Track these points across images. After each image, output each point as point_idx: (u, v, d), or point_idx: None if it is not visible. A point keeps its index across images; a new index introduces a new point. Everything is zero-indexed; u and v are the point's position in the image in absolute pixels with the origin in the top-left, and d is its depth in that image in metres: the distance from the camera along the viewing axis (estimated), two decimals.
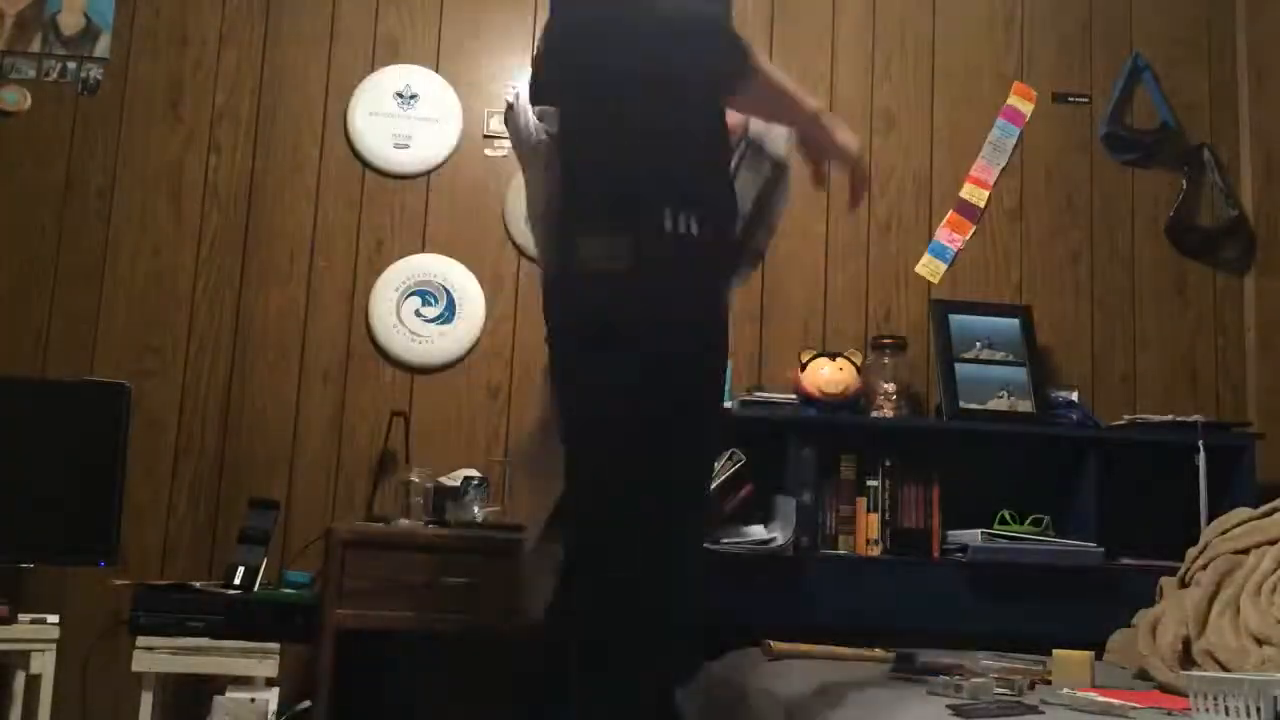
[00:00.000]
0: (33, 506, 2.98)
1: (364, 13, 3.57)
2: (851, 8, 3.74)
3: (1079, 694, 1.86)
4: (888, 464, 3.27)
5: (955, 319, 3.48)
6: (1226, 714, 1.55)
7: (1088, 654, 2.10)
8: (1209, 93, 3.81)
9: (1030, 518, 3.24)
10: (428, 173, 3.53)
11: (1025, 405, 3.38)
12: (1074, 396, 3.46)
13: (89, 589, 3.19)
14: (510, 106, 2.34)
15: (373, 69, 3.55)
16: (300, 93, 3.52)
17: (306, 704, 2.99)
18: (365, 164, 3.51)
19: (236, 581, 2.98)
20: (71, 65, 3.45)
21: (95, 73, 3.45)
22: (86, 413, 3.08)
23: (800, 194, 3.61)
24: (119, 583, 3.07)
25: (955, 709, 1.64)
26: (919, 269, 3.64)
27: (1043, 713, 1.70)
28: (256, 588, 2.99)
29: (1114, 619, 2.77)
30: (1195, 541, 2.64)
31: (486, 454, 3.40)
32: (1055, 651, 2.09)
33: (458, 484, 3.19)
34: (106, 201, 3.41)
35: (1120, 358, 3.67)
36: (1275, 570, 2.21)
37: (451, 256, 3.49)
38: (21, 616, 2.87)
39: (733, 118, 2.11)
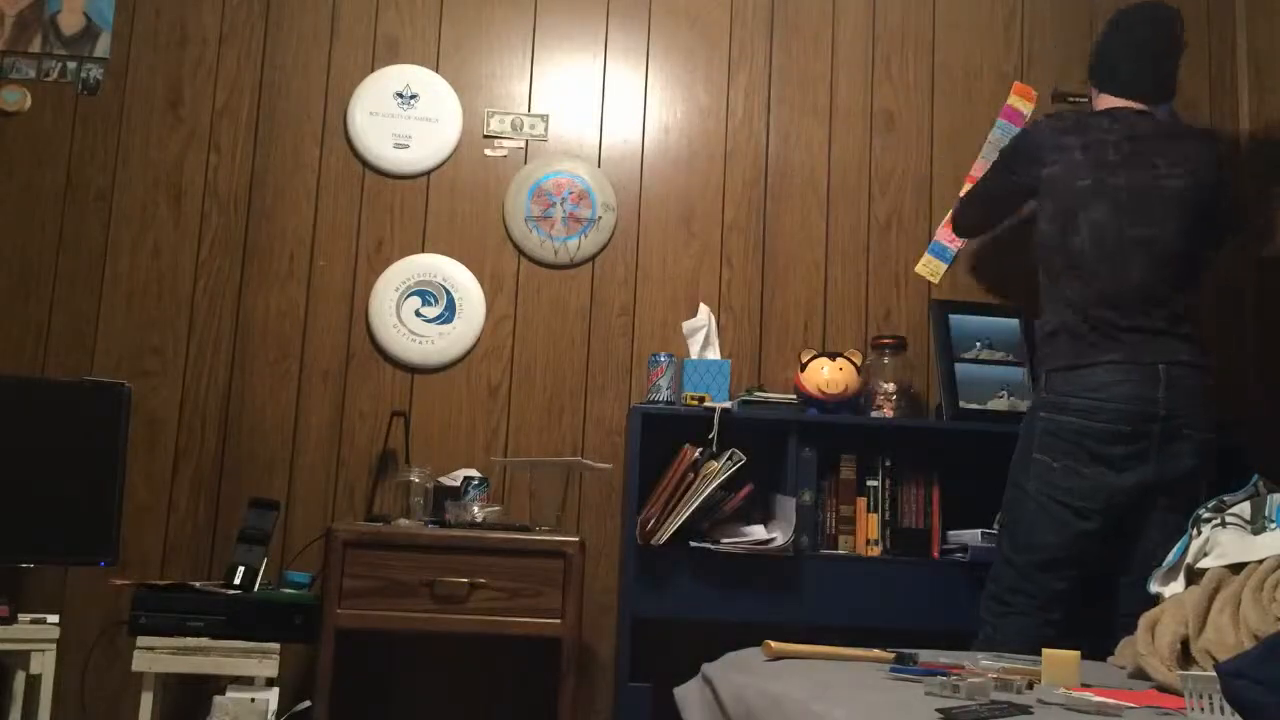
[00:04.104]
0: (33, 506, 2.99)
1: (364, 13, 3.58)
2: (851, 8, 3.74)
3: (1074, 694, 1.85)
4: (888, 464, 3.28)
5: (955, 319, 3.48)
6: (1222, 713, 1.55)
7: (1075, 653, 2.10)
8: (1209, 93, 3.81)
9: None
10: (428, 173, 3.53)
11: (1025, 405, 3.37)
12: None
13: (89, 589, 3.20)
14: None
15: (373, 69, 3.55)
16: (300, 93, 3.52)
17: (306, 704, 3.00)
18: (365, 164, 3.51)
19: (236, 581, 2.99)
20: (71, 65, 3.45)
21: (95, 73, 3.45)
22: (86, 413, 3.08)
23: (800, 194, 3.64)
24: (119, 583, 3.08)
25: (945, 711, 1.64)
26: (919, 269, 3.64)
27: (1032, 713, 1.70)
28: (256, 588, 3.00)
29: (1112, 619, 2.77)
30: None
31: (486, 454, 3.41)
32: (1044, 651, 2.09)
33: (458, 484, 3.19)
34: (106, 201, 3.41)
35: None
36: (1278, 568, 2.21)
37: (451, 256, 3.49)
38: (21, 616, 2.88)
39: None
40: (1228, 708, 1.53)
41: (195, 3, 3.53)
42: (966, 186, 3.68)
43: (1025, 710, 1.70)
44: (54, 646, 2.88)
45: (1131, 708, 1.77)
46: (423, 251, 3.48)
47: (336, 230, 3.48)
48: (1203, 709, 1.60)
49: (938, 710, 1.65)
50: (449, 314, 3.45)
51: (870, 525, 3.24)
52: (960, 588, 3.13)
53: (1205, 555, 2.40)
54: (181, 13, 3.52)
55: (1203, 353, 2.82)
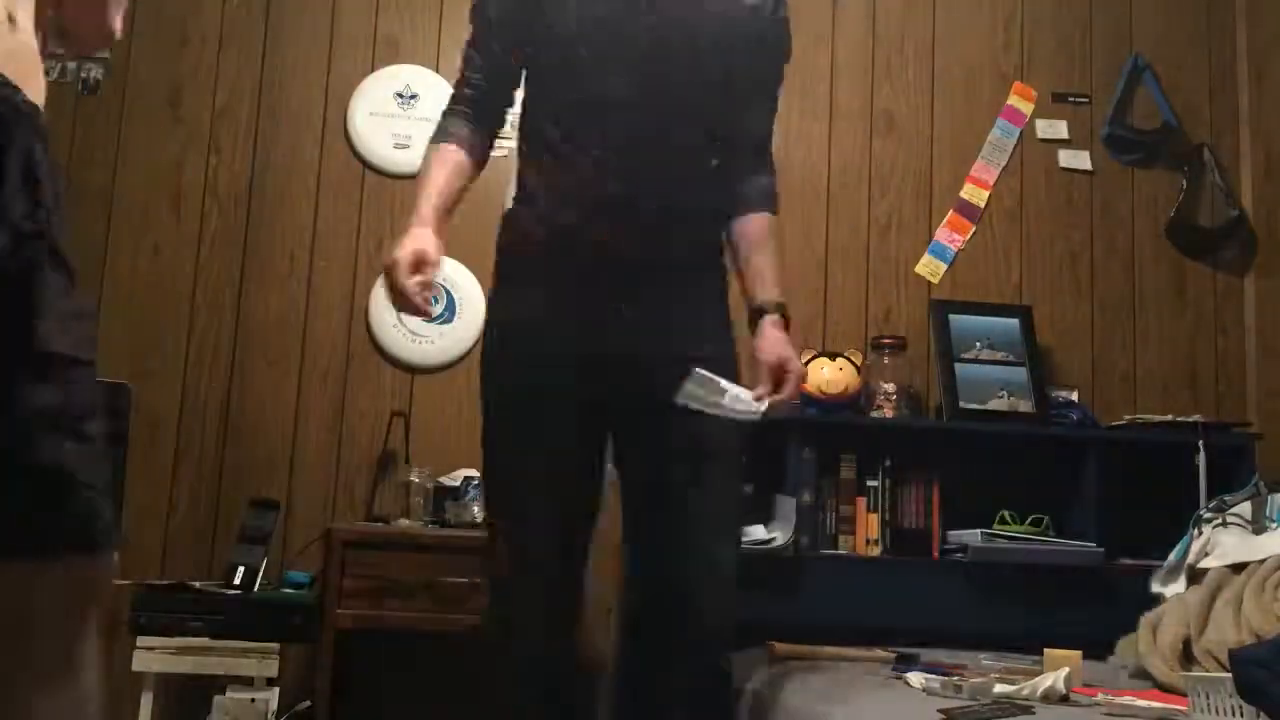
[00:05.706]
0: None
1: (364, 13, 3.58)
2: (851, 8, 3.74)
3: (1075, 693, 1.86)
4: (888, 464, 3.27)
5: (955, 319, 3.48)
6: (1225, 713, 1.55)
7: (1076, 653, 2.11)
8: (1209, 93, 3.81)
9: (1030, 518, 3.24)
10: None
11: (1025, 405, 3.38)
12: (1074, 396, 3.47)
13: None
14: None
15: (373, 69, 3.55)
16: (300, 93, 3.52)
17: (306, 704, 2.99)
18: (365, 164, 3.50)
19: (236, 581, 2.98)
20: (71, 65, 3.44)
21: (95, 73, 3.45)
22: None
23: (800, 194, 3.63)
24: (119, 583, 3.07)
25: (946, 712, 1.64)
26: (919, 269, 3.64)
27: (1034, 713, 1.70)
28: (256, 588, 2.99)
29: (1113, 619, 2.76)
30: None
31: None
32: (1046, 650, 2.10)
33: (458, 484, 3.19)
34: (106, 201, 3.41)
35: (1120, 358, 3.67)
36: (1278, 569, 2.21)
37: (451, 256, 3.48)
38: None
39: None
40: (1230, 707, 1.53)
41: (195, 3, 3.52)
42: (967, 187, 3.68)
43: (1027, 709, 1.71)
44: None
45: (1135, 703, 1.77)
46: None
47: (336, 230, 3.48)
48: (1203, 709, 1.60)
49: (939, 711, 1.65)
50: (449, 314, 3.45)
51: (870, 525, 3.23)
52: (960, 588, 3.13)
53: (1206, 555, 2.40)
54: (181, 13, 3.51)
55: None
